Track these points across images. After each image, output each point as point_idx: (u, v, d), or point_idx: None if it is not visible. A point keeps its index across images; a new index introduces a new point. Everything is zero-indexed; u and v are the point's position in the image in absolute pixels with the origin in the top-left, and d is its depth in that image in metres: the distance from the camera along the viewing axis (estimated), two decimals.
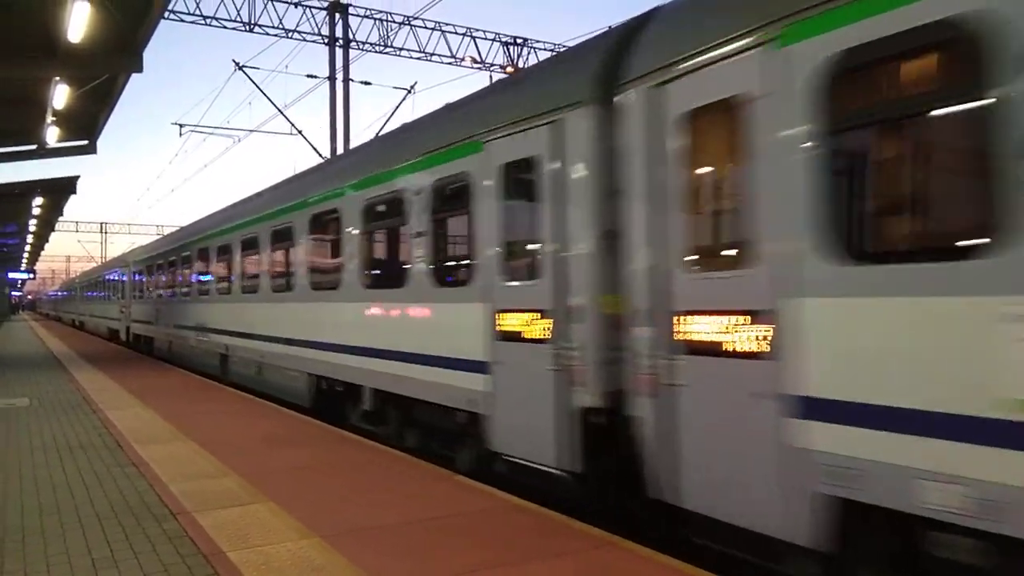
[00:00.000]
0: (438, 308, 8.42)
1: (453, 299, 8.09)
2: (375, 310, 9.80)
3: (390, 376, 9.30)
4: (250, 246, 14.93)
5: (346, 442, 9.18)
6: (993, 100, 3.57)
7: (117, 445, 9.19)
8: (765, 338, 4.62)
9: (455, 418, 8.07)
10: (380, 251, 10.28)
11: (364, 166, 10.36)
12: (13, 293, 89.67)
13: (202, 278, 18.67)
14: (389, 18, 28.90)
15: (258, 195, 16.39)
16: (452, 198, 8.14)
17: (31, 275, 75.76)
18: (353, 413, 10.81)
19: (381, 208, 9.67)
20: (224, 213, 18.16)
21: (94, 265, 64.76)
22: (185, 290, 20.72)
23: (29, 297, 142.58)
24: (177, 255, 21.54)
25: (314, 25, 27.57)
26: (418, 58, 29.64)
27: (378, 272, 10.06)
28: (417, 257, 8.72)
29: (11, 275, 63.79)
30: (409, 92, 26.11)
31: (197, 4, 25.71)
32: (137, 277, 29.02)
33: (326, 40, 27.17)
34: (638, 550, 5.14)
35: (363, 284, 10.14)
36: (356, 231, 10.29)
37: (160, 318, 23.97)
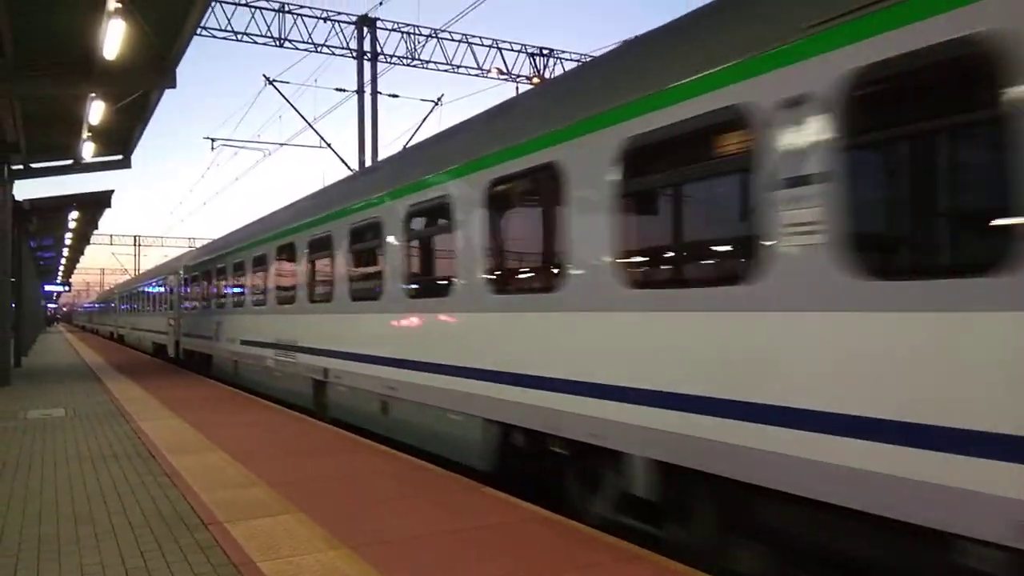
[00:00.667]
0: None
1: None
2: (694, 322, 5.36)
3: (705, 444, 5.16)
4: (363, 237, 11.04)
5: (370, 451, 9.22)
6: None
7: (150, 455, 9.32)
8: None
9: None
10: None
11: None
12: (49, 305, 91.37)
13: (289, 282, 14.28)
14: (417, 31, 29.15)
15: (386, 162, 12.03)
16: None
17: (66, 288, 77.19)
18: (593, 494, 6.65)
19: None
20: (319, 199, 13.85)
21: (128, 277, 61.15)
22: (259, 297, 16.34)
23: (64, 309, 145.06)
24: (247, 255, 17.25)
25: (343, 39, 27.90)
26: (445, 70, 29.83)
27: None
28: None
29: (47, 288, 65.00)
30: (436, 104, 26.28)
31: (228, 20, 26.15)
32: (189, 285, 24.68)
33: (355, 54, 27.47)
34: (669, 564, 5.10)
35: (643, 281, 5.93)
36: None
37: (222, 332, 19.55)
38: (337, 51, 27.93)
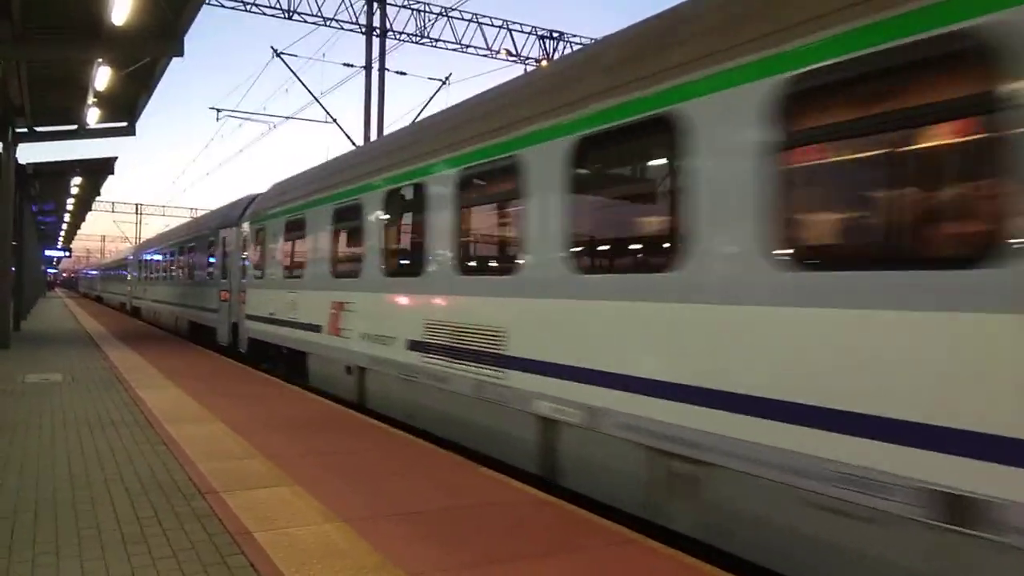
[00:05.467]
0: None
1: None
2: None
3: None
4: None
5: (369, 428, 9.26)
6: None
7: (148, 423, 9.35)
8: None
9: None
10: None
11: None
12: (49, 270, 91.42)
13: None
14: (427, 9, 28.99)
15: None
16: None
17: (67, 253, 77.20)
18: None
19: None
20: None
21: (152, 236, 43.73)
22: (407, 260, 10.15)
23: (64, 275, 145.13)
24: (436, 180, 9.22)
25: (352, 14, 27.77)
26: (454, 49, 29.73)
27: None
28: None
29: (47, 252, 64.98)
30: (444, 83, 26.19)
31: None
32: (267, 242, 16.18)
33: (363, 29, 27.32)
34: (660, 549, 5.13)
35: None
36: None
37: (354, 319, 11.52)
38: (346, 26, 27.81)
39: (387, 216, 10.67)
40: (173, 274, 28.69)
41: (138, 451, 7.85)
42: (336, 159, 14.11)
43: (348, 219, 11.80)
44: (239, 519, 5.60)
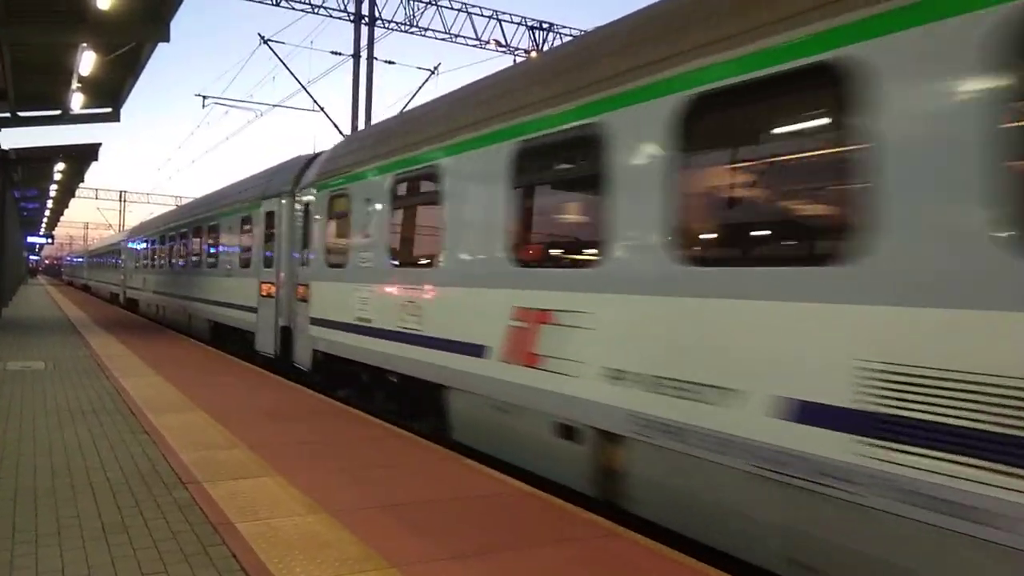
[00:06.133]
0: None
1: None
2: None
3: None
4: None
5: (353, 418, 9.22)
6: None
7: (130, 412, 9.27)
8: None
9: None
10: None
11: None
12: (31, 257, 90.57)
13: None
14: None
15: None
16: None
17: (49, 240, 76.46)
18: None
19: None
20: None
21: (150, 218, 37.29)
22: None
23: (47, 261, 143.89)
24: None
25: (341, 1, 27.55)
26: (443, 39, 29.61)
27: None
28: None
29: (29, 239, 64.36)
30: (433, 73, 26.07)
31: None
32: (336, 219, 11.81)
33: (352, 17, 27.13)
34: (642, 541, 5.14)
35: None
36: None
37: (455, 322, 8.37)
38: (335, 13, 27.61)
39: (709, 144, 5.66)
40: (185, 261, 23.52)
41: (120, 440, 7.78)
42: (530, 62, 8.59)
43: (568, 162, 7.11)
44: (221, 509, 5.56)
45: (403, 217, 9.86)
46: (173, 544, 4.85)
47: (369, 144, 10.99)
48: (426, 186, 9.17)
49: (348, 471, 6.75)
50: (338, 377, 11.74)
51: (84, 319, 26.22)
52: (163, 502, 5.73)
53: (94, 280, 56.22)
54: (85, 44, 15.56)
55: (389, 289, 9.80)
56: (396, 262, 9.71)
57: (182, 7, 14.74)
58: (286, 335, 14.18)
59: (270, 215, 15.38)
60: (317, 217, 12.57)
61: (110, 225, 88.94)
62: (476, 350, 7.85)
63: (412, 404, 9.76)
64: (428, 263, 8.90)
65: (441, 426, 8.74)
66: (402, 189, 9.72)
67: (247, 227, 16.98)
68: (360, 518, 5.44)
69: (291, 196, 14.45)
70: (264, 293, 15.30)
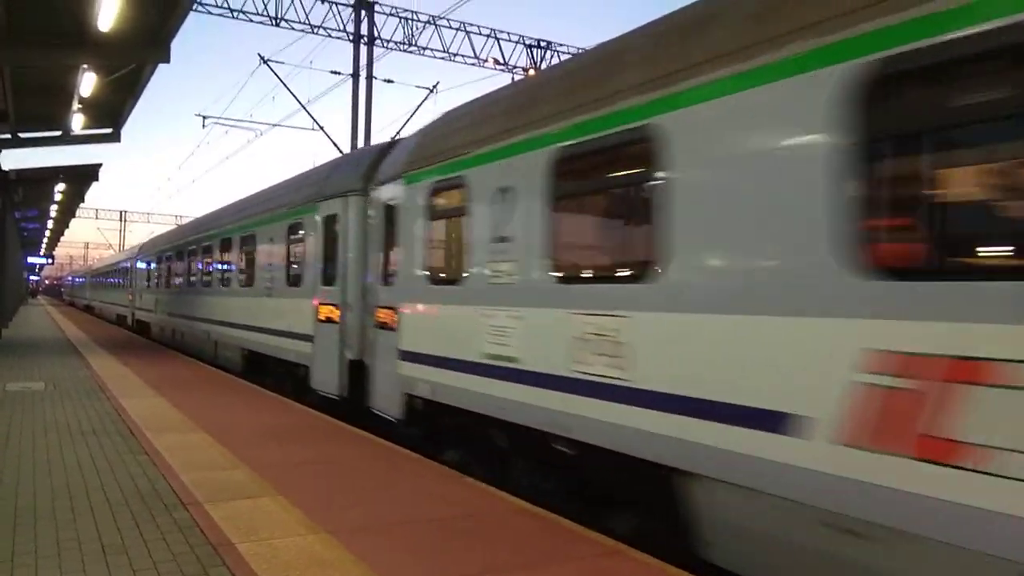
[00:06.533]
0: None
1: None
2: None
3: None
4: None
5: (353, 437, 9.19)
6: None
7: (130, 432, 9.25)
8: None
9: None
10: None
11: None
12: (31, 277, 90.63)
13: None
14: (414, 17, 29.02)
15: None
16: None
17: (49, 260, 76.51)
18: None
19: None
20: None
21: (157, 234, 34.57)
22: None
23: (47, 281, 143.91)
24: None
25: (340, 21, 27.75)
26: (442, 58, 29.76)
27: None
28: None
29: (30, 259, 64.40)
30: (431, 91, 26.21)
31: None
32: (441, 219, 8.81)
33: (351, 37, 27.32)
34: (647, 560, 5.11)
35: None
36: None
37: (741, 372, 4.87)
38: (334, 33, 27.79)
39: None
40: (210, 279, 20.15)
41: (120, 461, 7.75)
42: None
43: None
44: (221, 530, 5.53)
45: (579, 207, 6.93)
46: (173, 565, 4.82)
47: (499, 112, 7.88)
48: (630, 158, 6.11)
49: (348, 491, 6.72)
50: (449, 433, 8.80)
51: (84, 339, 26.20)
52: (163, 523, 5.70)
53: (98, 301, 51.78)
54: (86, 65, 15.64)
55: (551, 314, 6.67)
56: (561, 274, 6.64)
57: (182, 28, 14.83)
58: (355, 371, 11.30)
59: (330, 220, 12.31)
60: (409, 218, 9.37)
61: (110, 245, 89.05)
62: (772, 421, 4.59)
63: (597, 486, 6.81)
64: (634, 275, 5.89)
65: (667, 528, 5.78)
66: (576, 166, 6.60)
67: (297, 236, 13.81)
68: (361, 538, 5.41)
69: (362, 194, 11.51)
70: (323, 317, 12.22)
